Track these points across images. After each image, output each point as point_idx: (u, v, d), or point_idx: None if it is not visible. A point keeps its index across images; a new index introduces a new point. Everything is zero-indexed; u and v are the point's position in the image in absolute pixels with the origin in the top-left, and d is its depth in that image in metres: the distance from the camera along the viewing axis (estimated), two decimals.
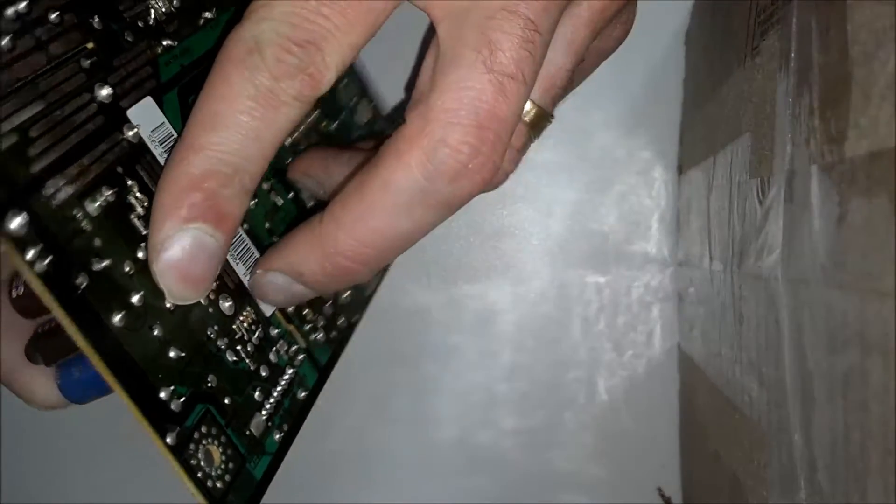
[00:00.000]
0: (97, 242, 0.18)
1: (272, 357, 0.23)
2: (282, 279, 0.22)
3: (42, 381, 0.22)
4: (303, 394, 0.24)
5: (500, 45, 0.20)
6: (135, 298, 0.18)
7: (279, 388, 0.23)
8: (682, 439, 0.35)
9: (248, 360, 0.22)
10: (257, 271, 0.22)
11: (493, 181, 0.21)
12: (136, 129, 0.20)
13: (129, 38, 0.20)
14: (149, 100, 0.20)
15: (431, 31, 0.21)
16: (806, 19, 0.18)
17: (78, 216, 0.18)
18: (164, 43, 0.21)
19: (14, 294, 0.21)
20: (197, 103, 0.19)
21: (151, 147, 0.20)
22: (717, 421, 0.28)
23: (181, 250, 0.18)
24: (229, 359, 0.21)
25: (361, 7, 0.19)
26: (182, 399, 0.19)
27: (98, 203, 0.18)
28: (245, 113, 0.19)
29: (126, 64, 0.20)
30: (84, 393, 0.22)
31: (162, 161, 0.20)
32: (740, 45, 0.24)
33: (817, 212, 0.17)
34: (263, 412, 0.22)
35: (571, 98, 0.25)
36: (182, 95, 0.21)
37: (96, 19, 0.19)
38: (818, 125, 0.17)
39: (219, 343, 0.21)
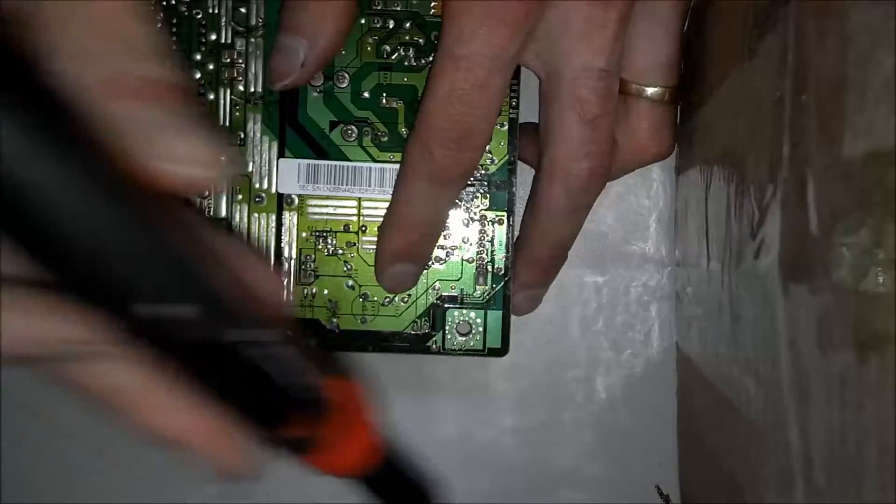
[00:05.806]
0: None
1: None
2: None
3: None
4: None
5: (585, 99, 0.27)
6: None
7: None
8: (679, 437, 0.35)
9: None
10: (519, 293, 0.33)
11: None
12: None
13: None
14: None
15: None
16: (803, 21, 0.19)
17: None
18: None
19: None
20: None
21: None
22: (714, 419, 0.28)
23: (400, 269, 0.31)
24: None
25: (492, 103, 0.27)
26: None
27: None
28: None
29: None
30: None
31: None
32: (737, 47, 0.25)
33: (814, 212, 0.17)
34: None
35: None
36: None
37: None
38: (815, 126, 0.17)
39: None
